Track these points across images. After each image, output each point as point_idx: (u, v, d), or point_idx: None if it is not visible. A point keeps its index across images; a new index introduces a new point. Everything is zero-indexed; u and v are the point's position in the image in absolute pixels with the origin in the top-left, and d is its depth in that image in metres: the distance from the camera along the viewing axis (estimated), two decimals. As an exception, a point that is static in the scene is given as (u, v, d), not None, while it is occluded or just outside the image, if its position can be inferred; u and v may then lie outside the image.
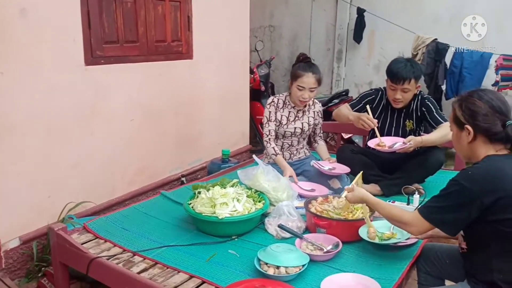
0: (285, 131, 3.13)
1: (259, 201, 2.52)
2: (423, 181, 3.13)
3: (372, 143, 3.05)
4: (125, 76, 3.27)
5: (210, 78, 4.09)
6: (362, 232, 2.21)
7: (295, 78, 3.03)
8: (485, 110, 1.68)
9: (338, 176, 3.07)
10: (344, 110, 3.22)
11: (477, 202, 1.59)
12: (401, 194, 2.90)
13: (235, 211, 2.33)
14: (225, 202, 2.36)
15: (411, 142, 2.85)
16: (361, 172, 2.59)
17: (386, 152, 2.96)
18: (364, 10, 4.99)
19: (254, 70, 5.28)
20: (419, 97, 3.10)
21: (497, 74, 4.20)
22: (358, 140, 4.32)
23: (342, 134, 4.21)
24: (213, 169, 3.86)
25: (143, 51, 3.36)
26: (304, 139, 3.25)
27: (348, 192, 2.16)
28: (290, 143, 3.20)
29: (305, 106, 3.16)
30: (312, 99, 3.25)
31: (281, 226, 2.31)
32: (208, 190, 2.49)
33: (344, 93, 4.53)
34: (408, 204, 2.76)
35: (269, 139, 3.08)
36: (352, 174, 3.24)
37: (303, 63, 3.14)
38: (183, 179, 3.90)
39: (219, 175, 3.46)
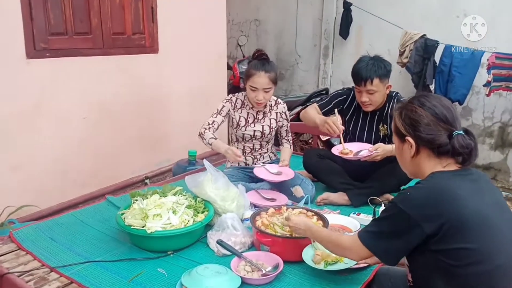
0: (243, 134, 2.87)
1: (203, 212, 2.27)
2: (398, 189, 2.84)
3: (336, 150, 2.78)
4: (77, 71, 3.03)
5: (180, 74, 3.84)
6: (306, 254, 1.94)
7: (247, 78, 2.76)
8: (427, 119, 1.43)
9: (302, 182, 2.79)
10: (311, 112, 2.94)
11: (417, 229, 1.32)
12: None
13: (168, 224, 2.08)
14: (159, 213, 2.11)
15: (378, 150, 2.58)
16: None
17: (351, 159, 2.70)
18: (351, 4, 4.68)
19: (236, 66, 5.02)
20: (395, 99, 2.82)
21: (489, 73, 3.88)
22: (337, 142, 4.03)
23: (320, 136, 3.93)
24: (177, 171, 3.61)
25: (97, 43, 3.12)
26: (267, 142, 2.98)
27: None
28: (251, 147, 2.94)
29: (265, 107, 2.90)
30: (276, 99, 2.98)
31: (219, 243, 2.06)
32: (145, 198, 2.25)
33: (323, 92, 4.25)
34: (373, 217, 2.48)
35: (209, 128, 2.73)
36: (321, 182, 2.99)
37: (257, 60, 2.85)
38: (147, 181, 3.67)
39: (183, 177, 3.22)
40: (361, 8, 4.71)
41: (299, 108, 4.20)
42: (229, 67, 4.92)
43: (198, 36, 3.95)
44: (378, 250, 1.43)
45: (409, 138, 1.46)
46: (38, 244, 2.19)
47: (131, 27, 3.34)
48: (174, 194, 2.34)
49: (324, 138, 3.94)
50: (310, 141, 4.50)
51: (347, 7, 4.71)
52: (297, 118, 4.29)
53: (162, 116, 3.76)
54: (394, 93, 2.82)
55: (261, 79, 2.69)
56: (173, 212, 2.14)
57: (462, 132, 1.43)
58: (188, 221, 2.14)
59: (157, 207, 2.14)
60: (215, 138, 2.68)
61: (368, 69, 2.61)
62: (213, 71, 4.21)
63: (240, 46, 5.23)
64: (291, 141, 3.09)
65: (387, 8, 4.64)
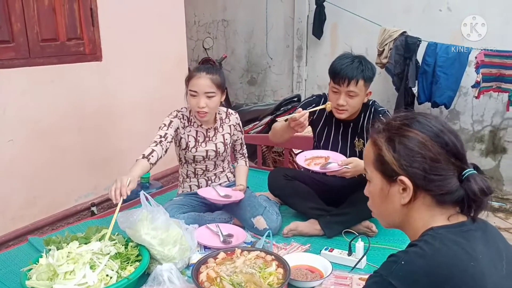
0: (194, 156, 2.41)
1: (136, 261, 1.82)
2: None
3: (301, 159, 2.36)
4: (-5, 86, 2.55)
5: (130, 83, 3.37)
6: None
7: (186, 83, 2.34)
8: (435, 151, 0.99)
9: (265, 211, 2.35)
10: (276, 125, 2.52)
11: None
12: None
13: (84, 284, 1.62)
14: (72, 270, 1.64)
15: (349, 165, 2.15)
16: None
17: (318, 172, 2.28)
18: (324, 0, 4.26)
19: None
20: (372, 108, 2.40)
21: (477, 73, 3.48)
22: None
23: (293, 149, 3.49)
24: (129, 196, 3.11)
25: (21, 53, 2.64)
26: (223, 161, 2.53)
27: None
28: (204, 168, 2.48)
29: (215, 121, 2.44)
30: (226, 110, 2.53)
31: (149, 306, 1.60)
32: (60, 248, 1.78)
33: (295, 99, 3.82)
34: (349, 254, 2.05)
35: (160, 141, 2.21)
36: (289, 207, 2.56)
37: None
38: (93, 209, 3.19)
39: (133, 204, 2.76)
40: (335, 5, 4.29)
41: (269, 117, 3.76)
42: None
43: (151, 40, 3.49)
44: None
45: (405, 179, 1.01)
46: None
47: (65, 32, 2.86)
48: (100, 239, 1.88)
49: (297, 151, 3.50)
50: (284, 152, 4.07)
51: (319, 3, 4.28)
52: (267, 128, 3.86)
53: (111, 132, 3.29)
54: (370, 102, 2.41)
55: (201, 80, 2.25)
56: (91, 267, 1.67)
57: (475, 171, 1.00)
58: (111, 277, 1.68)
59: (70, 261, 1.67)
60: (145, 157, 2.12)
61: (354, 67, 2.22)
62: (171, 79, 3.73)
63: (206, 49, 4.78)
64: (246, 155, 2.66)
65: (363, 4, 4.23)
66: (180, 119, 2.39)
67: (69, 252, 1.73)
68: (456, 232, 0.97)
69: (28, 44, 2.66)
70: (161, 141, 2.22)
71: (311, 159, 2.38)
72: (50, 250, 1.77)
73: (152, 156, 2.14)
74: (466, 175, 0.98)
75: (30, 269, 1.72)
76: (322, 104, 2.48)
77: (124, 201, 2.26)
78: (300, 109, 2.36)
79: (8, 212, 2.74)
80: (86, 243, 1.83)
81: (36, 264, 1.74)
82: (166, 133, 2.28)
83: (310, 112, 2.52)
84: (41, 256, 1.76)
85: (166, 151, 2.25)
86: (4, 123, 2.61)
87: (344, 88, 2.25)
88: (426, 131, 1.00)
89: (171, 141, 2.30)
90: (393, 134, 1.03)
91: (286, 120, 2.33)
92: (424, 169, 0.98)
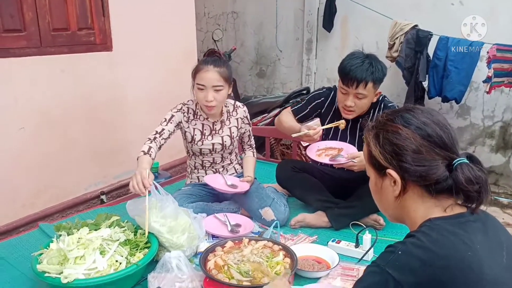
0: (200, 149, 2.42)
1: (145, 248, 1.84)
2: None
3: (312, 151, 2.35)
4: (7, 74, 2.57)
5: (139, 74, 3.38)
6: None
7: (193, 76, 2.32)
8: (416, 144, 1.01)
9: (273, 203, 2.36)
10: (286, 120, 2.51)
11: None
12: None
13: (94, 269, 1.64)
14: (82, 255, 1.66)
15: (356, 160, 2.15)
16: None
17: (327, 164, 2.31)
18: (335, -8, 4.23)
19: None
20: (382, 104, 2.39)
21: (489, 68, 3.44)
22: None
23: (301, 142, 3.49)
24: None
25: (33, 42, 2.66)
26: (230, 153, 2.53)
27: None
28: (211, 161, 2.49)
29: (221, 114, 2.45)
30: (234, 103, 2.53)
31: (157, 292, 1.62)
32: (70, 233, 1.80)
33: (304, 92, 3.81)
34: (356, 246, 2.05)
35: (154, 139, 2.22)
36: (297, 199, 2.56)
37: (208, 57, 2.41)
38: (103, 197, 3.22)
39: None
40: (346, -3, 4.26)
41: (278, 110, 3.75)
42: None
43: (161, 31, 3.49)
44: None
45: (392, 172, 1.04)
46: None
47: (76, 21, 2.88)
48: (110, 226, 1.90)
49: (305, 144, 3.49)
50: (292, 145, 4.06)
51: (330, -5, 4.25)
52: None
53: (120, 122, 3.31)
54: (380, 97, 2.39)
55: (209, 73, 2.23)
56: (100, 253, 1.69)
57: (466, 160, 1.00)
58: (120, 263, 1.70)
59: (80, 246, 1.70)
60: (146, 153, 2.14)
61: (364, 69, 2.18)
62: (180, 71, 3.71)
63: (215, 41, 4.77)
64: (254, 146, 2.65)
65: (375, -4, 4.19)
66: (184, 112, 2.39)
67: (79, 238, 1.75)
68: (454, 223, 0.98)
69: (39, 33, 2.68)
70: (155, 138, 2.23)
71: (324, 150, 2.38)
72: (60, 235, 1.80)
73: (151, 152, 2.16)
74: (455, 164, 0.99)
75: (41, 254, 1.75)
76: (330, 97, 2.48)
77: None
78: (318, 121, 2.34)
79: (19, 199, 2.77)
80: (96, 230, 1.86)
81: (47, 249, 1.76)
82: (163, 129, 2.28)
83: (318, 106, 2.53)
84: (52, 241, 1.79)
85: (160, 148, 2.25)
86: (15, 112, 2.63)
87: (353, 90, 2.23)
88: (409, 124, 1.04)
89: (168, 137, 2.30)
90: (379, 130, 1.08)
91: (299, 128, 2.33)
92: (407, 161, 1.01)
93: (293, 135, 2.33)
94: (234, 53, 4.89)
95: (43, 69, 2.74)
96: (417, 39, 3.69)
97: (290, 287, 1.45)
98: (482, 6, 3.71)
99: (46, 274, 1.60)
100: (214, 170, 2.52)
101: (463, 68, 3.58)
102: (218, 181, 2.41)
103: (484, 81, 3.52)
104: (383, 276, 0.95)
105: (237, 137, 2.50)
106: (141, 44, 3.34)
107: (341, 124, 2.34)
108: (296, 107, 2.56)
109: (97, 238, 1.75)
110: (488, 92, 3.50)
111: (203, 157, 2.46)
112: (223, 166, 2.53)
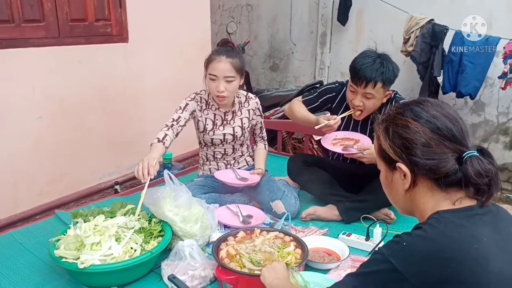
0: (212, 139, 2.44)
1: (159, 236, 1.88)
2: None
3: (328, 140, 2.38)
4: (26, 64, 2.63)
5: (155, 66, 3.42)
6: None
7: (206, 66, 2.33)
8: (426, 137, 1.02)
9: (284, 195, 2.38)
10: (299, 110, 2.51)
11: None
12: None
13: (109, 255, 1.68)
14: (98, 241, 1.71)
15: (366, 152, 2.16)
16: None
17: (340, 153, 2.33)
18: (350, -14, 4.21)
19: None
20: (393, 102, 2.38)
21: (505, 63, 3.40)
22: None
23: (313, 135, 3.50)
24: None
25: (51, 32, 2.71)
26: (241, 145, 2.55)
27: None
28: (223, 152, 2.51)
29: (233, 105, 2.46)
30: (246, 94, 2.54)
31: (171, 279, 1.66)
32: (87, 220, 1.85)
33: (317, 85, 3.80)
34: (367, 239, 2.07)
35: (171, 125, 2.24)
36: (308, 193, 2.58)
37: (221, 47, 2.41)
38: (117, 187, 3.27)
39: (156, 183, 2.82)
40: (361, -10, 4.24)
41: (290, 103, 3.76)
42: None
43: (176, 23, 3.52)
44: None
45: (401, 165, 1.05)
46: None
47: (94, 12, 2.92)
48: (125, 214, 1.94)
49: (317, 137, 3.50)
50: (304, 139, 4.07)
51: (345, -11, 4.23)
52: (288, 114, 3.86)
53: (135, 114, 3.35)
54: (392, 93, 2.39)
55: (221, 64, 2.24)
56: (116, 240, 1.74)
57: (476, 153, 1.01)
58: (135, 250, 1.74)
59: (96, 233, 1.74)
60: (160, 141, 2.16)
61: (374, 69, 2.16)
62: (195, 62, 3.72)
63: (229, 34, 4.78)
64: (265, 138, 2.66)
65: (391, -10, 4.16)
66: (197, 102, 2.42)
67: (95, 225, 1.79)
68: (462, 216, 0.99)
69: (57, 24, 2.72)
70: (172, 125, 2.25)
71: (341, 140, 2.38)
72: (77, 222, 1.84)
73: (166, 140, 2.17)
74: (465, 157, 1.00)
75: (58, 240, 1.80)
76: (342, 93, 2.48)
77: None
78: (335, 116, 2.36)
79: (35, 187, 2.83)
80: (111, 217, 1.90)
81: (64, 235, 1.81)
82: (179, 117, 2.30)
83: (329, 100, 2.53)
84: (69, 228, 1.83)
85: (177, 135, 2.27)
86: (33, 101, 2.69)
87: (361, 89, 2.22)
88: (418, 118, 1.04)
89: (184, 125, 2.32)
90: (389, 123, 1.09)
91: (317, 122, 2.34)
92: (417, 155, 1.02)
93: (316, 127, 2.33)
94: (248, 46, 4.89)
95: (60, 59, 2.79)
96: (433, 33, 3.66)
97: (289, 270, 1.46)
98: (497, 0, 3.66)
99: (63, 259, 1.65)
100: (225, 162, 2.54)
101: (478, 63, 3.55)
102: (228, 176, 2.43)
103: (499, 77, 3.49)
104: (385, 264, 0.97)
105: (249, 128, 2.52)
106: (156, 36, 3.37)
107: (356, 112, 2.34)
108: (307, 98, 2.56)
109: (113, 226, 1.79)
110: (503, 88, 3.47)
111: (214, 148, 2.49)
112: (234, 158, 2.55)
